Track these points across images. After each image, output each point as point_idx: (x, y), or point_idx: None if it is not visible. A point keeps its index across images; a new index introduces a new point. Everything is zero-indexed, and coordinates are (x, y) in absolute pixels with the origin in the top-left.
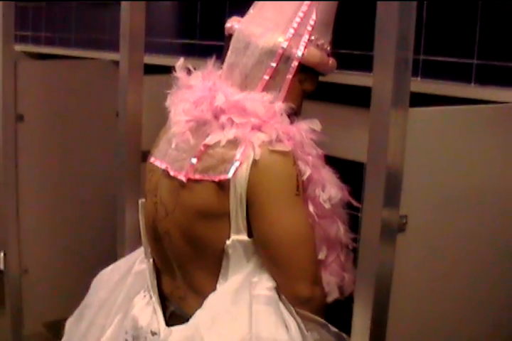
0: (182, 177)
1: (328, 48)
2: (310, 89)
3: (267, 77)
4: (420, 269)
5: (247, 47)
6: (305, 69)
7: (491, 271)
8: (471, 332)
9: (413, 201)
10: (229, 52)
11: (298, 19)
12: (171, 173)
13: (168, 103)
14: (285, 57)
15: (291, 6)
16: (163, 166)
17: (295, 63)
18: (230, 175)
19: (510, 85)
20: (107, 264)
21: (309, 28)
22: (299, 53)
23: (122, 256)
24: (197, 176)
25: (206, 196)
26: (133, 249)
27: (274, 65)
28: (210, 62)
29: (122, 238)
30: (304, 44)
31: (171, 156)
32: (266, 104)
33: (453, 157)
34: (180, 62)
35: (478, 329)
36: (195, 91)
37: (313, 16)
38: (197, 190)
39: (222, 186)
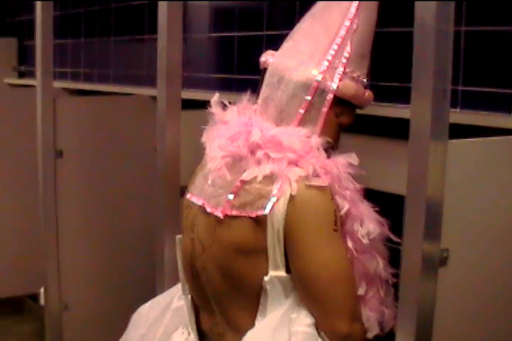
0: (219, 214)
1: (365, 80)
2: (347, 122)
3: (302, 111)
4: (463, 304)
5: (281, 81)
6: (341, 102)
7: None
8: None
9: (454, 234)
10: (263, 87)
11: (332, 51)
12: (208, 209)
13: (203, 138)
14: (320, 90)
15: (326, 38)
16: (199, 202)
17: (330, 96)
18: (267, 210)
19: None
20: (146, 300)
21: (344, 61)
22: (334, 86)
23: (161, 291)
24: (234, 212)
25: (243, 232)
26: (172, 285)
27: (309, 98)
28: (245, 97)
29: (161, 274)
30: (339, 76)
31: (207, 192)
32: (302, 139)
33: (493, 189)
34: (215, 97)
35: None
36: (231, 126)
37: (348, 49)
38: (234, 226)
39: (260, 222)
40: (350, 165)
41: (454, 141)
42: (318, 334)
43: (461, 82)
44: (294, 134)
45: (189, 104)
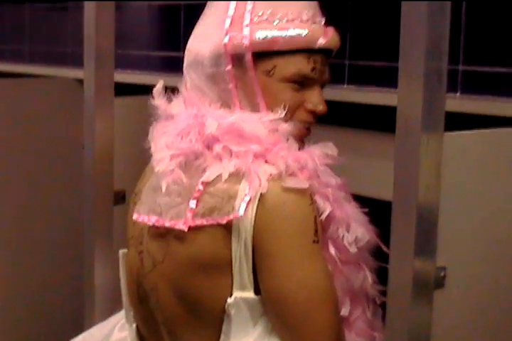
0: (182, 226)
1: (285, 18)
2: (290, 73)
3: (231, 85)
4: (463, 333)
5: (197, 64)
6: (266, 56)
7: None
8: None
9: (453, 249)
10: (185, 77)
11: (233, 5)
12: (167, 224)
13: (149, 138)
14: (236, 54)
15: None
16: (152, 220)
17: (248, 56)
18: (241, 212)
19: None
20: (74, 331)
21: (249, 9)
22: (245, 41)
23: (90, 321)
24: (199, 222)
25: (206, 243)
26: (104, 316)
27: (229, 67)
28: (181, 85)
29: (91, 298)
30: (248, 28)
31: (161, 205)
32: (267, 125)
33: (501, 191)
34: (158, 86)
35: None
36: (179, 120)
37: None
38: (197, 237)
39: (228, 229)
40: (328, 156)
41: (451, 133)
42: None
43: (461, 61)
44: (257, 120)
45: (124, 89)
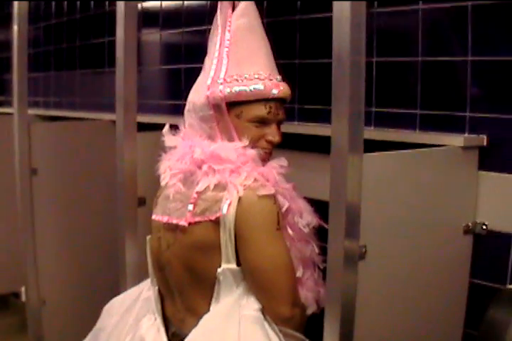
0: (183, 223)
1: (248, 77)
2: (252, 116)
3: (214, 124)
4: (380, 291)
5: (191, 109)
6: (235, 104)
7: (436, 289)
8: None
9: (371, 232)
10: (184, 118)
11: (214, 67)
12: (174, 221)
13: (158, 164)
14: (215, 103)
15: (208, 61)
16: (164, 219)
17: (223, 104)
18: (224, 211)
19: (448, 130)
20: (113, 294)
21: (223, 70)
22: (219, 94)
23: (124, 286)
24: (196, 219)
25: (202, 232)
26: (133, 281)
27: (211, 112)
28: (181, 124)
29: (123, 271)
30: (221, 85)
31: (170, 208)
32: (238, 151)
33: (404, 193)
34: (166, 128)
35: (429, 338)
36: (178, 150)
37: (225, 61)
38: (195, 230)
39: (217, 222)
40: (281, 167)
41: (368, 154)
42: (264, 317)
43: (374, 104)
44: (230, 148)
45: (144, 127)
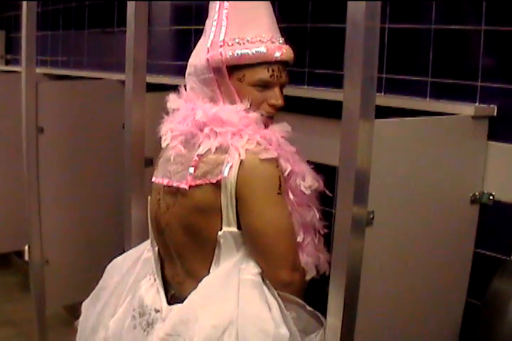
0: (184, 186)
1: (250, 40)
2: (254, 80)
3: (215, 87)
4: (386, 257)
5: (192, 73)
6: (237, 68)
7: (441, 257)
8: (427, 310)
9: (379, 199)
10: (186, 82)
11: (213, 29)
12: (174, 184)
13: (161, 130)
14: (215, 66)
15: (208, 25)
16: (164, 182)
17: (224, 68)
18: (225, 174)
19: (459, 99)
20: (116, 254)
21: (222, 33)
22: (219, 57)
23: (129, 245)
24: (197, 182)
25: (203, 195)
26: (138, 240)
27: (211, 75)
28: (181, 87)
29: (128, 231)
30: (221, 48)
31: (170, 171)
32: (240, 114)
33: (412, 161)
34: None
35: (432, 305)
36: (180, 113)
37: (224, 23)
38: (195, 192)
39: (218, 185)
40: (284, 131)
41: (379, 120)
42: (264, 282)
43: (385, 71)
44: (232, 110)
45: (153, 87)
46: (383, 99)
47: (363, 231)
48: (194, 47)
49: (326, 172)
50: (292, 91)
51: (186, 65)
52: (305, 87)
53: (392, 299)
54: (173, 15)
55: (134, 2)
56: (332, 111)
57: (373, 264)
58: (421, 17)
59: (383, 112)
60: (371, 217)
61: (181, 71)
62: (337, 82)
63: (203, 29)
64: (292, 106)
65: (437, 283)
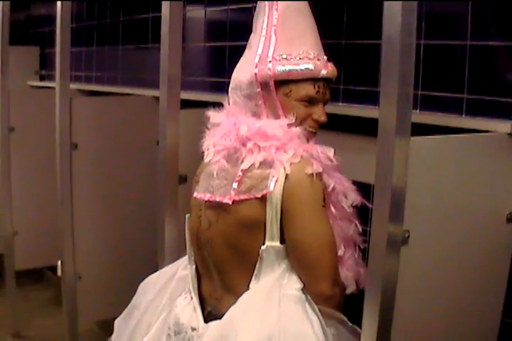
0: (228, 201)
1: (298, 56)
2: (301, 96)
3: (261, 102)
4: (421, 276)
5: (237, 87)
6: (284, 83)
7: (476, 276)
8: (461, 330)
9: (415, 217)
10: (229, 95)
11: (261, 45)
12: (217, 199)
13: (202, 140)
14: (263, 81)
15: (255, 39)
16: (207, 197)
17: (271, 82)
18: (271, 188)
19: (496, 116)
20: (149, 272)
21: (271, 49)
22: (268, 72)
23: (162, 262)
24: (242, 197)
25: (247, 210)
26: (171, 259)
27: (258, 90)
28: (225, 101)
29: (162, 248)
30: (270, 63)
31: (213, 186)
32: (284, 128)
33: (448, 178)
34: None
35: (467, 326)
36: (222, 127)
37: (273, 39)
38: (239, 207)
39: (263, 200)
40: (326, 148)
41: (415, 137)
42: (306, 297)
43: (420, 88)
44: (277, 125)
45: (187, 104)
46: (418, 116)
47: (399, 250)
48: (228, 64)
49: (362, 190)
50: (327, 108)
51: (220, 81)
52: (340, 104)
53: (426, 319)
54: (207, 32)
55: (168, 18)
56: (367, 128)
57: (408, 283)
58: (456, 33)
59: (418, 129)
60: (406, 235)
61: (215, 87)
62: (372, 99)
63: (237, 46)
64: (327, 124)
65: (472, 302)
